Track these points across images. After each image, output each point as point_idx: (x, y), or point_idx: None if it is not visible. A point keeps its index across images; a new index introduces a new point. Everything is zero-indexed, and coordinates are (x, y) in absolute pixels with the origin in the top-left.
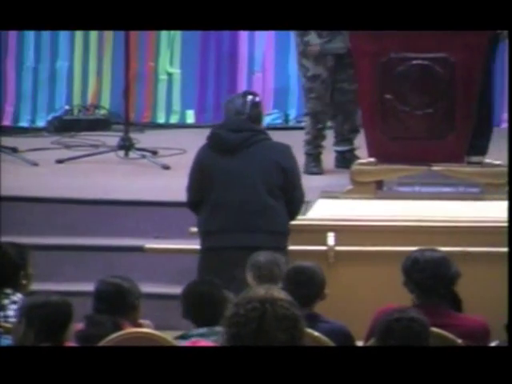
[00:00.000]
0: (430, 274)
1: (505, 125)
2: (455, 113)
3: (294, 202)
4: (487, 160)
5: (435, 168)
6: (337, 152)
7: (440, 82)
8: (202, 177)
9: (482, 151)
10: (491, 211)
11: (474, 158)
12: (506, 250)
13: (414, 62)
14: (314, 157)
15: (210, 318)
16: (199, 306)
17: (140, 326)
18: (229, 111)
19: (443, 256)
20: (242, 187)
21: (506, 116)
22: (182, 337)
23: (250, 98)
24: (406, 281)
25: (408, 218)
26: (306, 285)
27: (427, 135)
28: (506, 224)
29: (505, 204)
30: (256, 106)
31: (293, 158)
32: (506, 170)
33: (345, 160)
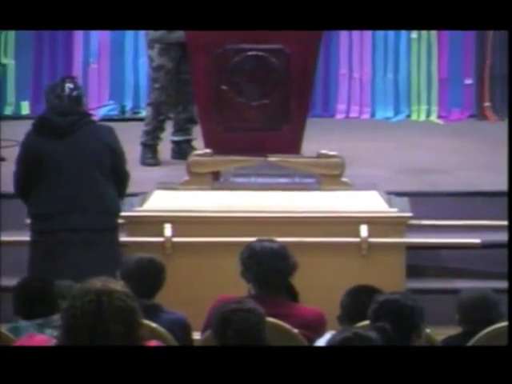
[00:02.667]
0: (268, 266)
1: (339, 116)
2: (290, 104)
3: (123, 180)
4: (323, 151)
5: (271, 159)
6: (173, 142)
7: (275, 73)
8: (31, 163)
9: None
10: (326, 201)
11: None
12: (344, 239)
13: (250, 53)
14: (151, 148)
15: (41, 315)
16: (30, 303)
17: None
18: (49, 97)
19: (281, 247)
20: (75, 170)
21: (340, 107)
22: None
23: (68, 81)
24: (244, 271)
25: (244, 209)
26: (146, 276)
27: (263, 126)
28: (340, 214)
29: (339, 194)
30: (75, 88)
31: (118, 138)
32: (340, 160)
33: (181, 151)
